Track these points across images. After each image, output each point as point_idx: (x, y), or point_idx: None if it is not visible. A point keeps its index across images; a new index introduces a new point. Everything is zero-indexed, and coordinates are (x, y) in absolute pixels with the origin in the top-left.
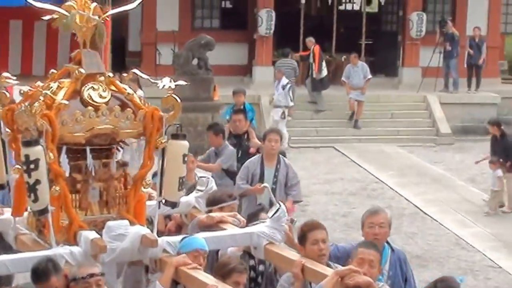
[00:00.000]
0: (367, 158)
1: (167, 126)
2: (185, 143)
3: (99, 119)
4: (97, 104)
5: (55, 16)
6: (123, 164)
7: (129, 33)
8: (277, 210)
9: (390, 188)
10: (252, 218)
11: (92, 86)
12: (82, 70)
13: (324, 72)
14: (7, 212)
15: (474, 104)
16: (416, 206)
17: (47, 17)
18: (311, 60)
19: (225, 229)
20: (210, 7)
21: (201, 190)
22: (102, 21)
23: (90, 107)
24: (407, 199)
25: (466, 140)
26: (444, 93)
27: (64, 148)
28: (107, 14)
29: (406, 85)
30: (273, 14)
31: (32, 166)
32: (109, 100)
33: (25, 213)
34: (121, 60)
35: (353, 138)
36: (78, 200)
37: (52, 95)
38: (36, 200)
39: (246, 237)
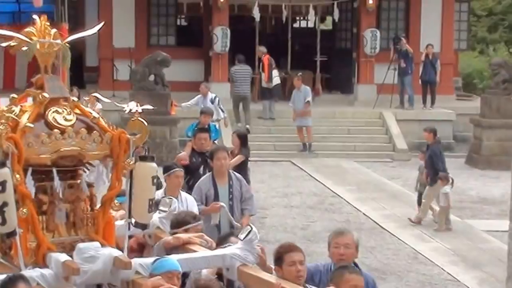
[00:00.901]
0: (325, 172)
1: (135, 148)
2: (154, 165)
3: (65, 141)
4: (63, 127)
5: (13, 43)
6: (89, 185)
7: (86, 48)
8: (249, 232)
9: (348, 203)
10: (222, 241)
11: (57, 110)
12: (45, 95)
13: (276, 81)
14: None
15: (429, 120)
16: (374, 221)
17: (4, 44)
18: (260, 69)
19: (193, 250)
20: (165, 25)
21: (164, 211)
22: (67, 45)
23: (56, 130)
24: (365, 214)
25: None
26: (400, 110)
27: (30, 169)
28: (67, 39)
29: (361, 102)
30: (228, 31)
31: None
32: (74, 123)
33: None
34: (79, 75)
35: (310, 153)
36: (45, 221)
37: (16, 118)
38: (4, 222)
39: (219, 259)
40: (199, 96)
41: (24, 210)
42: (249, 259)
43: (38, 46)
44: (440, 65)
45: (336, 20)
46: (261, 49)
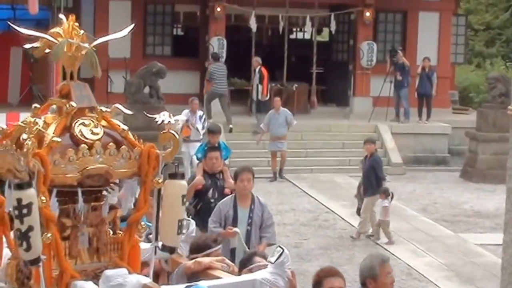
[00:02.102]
0: (318, 188)
1: (164, 165)
2: (183, 183)
3: (93, 158)
4: (90, 141)
5: (36, 44)
6: (112, 207)
7: None
8: (280, 255)
9: (342, 218)
10: (246, 263)
11: (83, 122)
12: (73, 104)
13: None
14: None
15: (425, 134)
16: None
17: (28, 46)
18: (256, 81)
19: (215, 275)
20: (162, 34)
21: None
22: (94, 49)
23: (83, 145)
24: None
25: (418, 170)
26: (395, 123)
27: (55, 190)
28: (95, 42)
29: (357, 115)
30: (224, 42)
31: (24, 211)
32: (101, 137)
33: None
34: None
35: (304, 168)
36: (67, 247)
37: (44, 131)
38: (28, 248)
39: (248, 285)
40: (188, 110)
41: (49, 235)
42: (279, 283)
43: (65, 48)
44: (437, 78)
45: (333, 32)
46: (257, 59)
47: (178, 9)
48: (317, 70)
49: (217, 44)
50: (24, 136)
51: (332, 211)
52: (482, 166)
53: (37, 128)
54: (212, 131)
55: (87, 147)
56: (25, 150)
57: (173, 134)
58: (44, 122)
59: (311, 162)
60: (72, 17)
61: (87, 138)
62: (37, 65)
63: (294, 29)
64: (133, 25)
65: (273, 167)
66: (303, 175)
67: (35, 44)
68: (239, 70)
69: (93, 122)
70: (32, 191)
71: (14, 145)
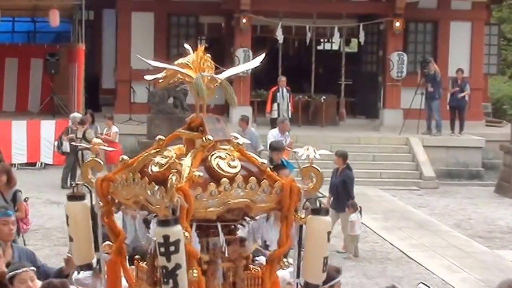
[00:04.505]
0: None
1: (305, 200)
2: (329, 219)
3: (234, 192)
4: (229, 175)
5: (161, 75)
6: (242, 241)
7: (103, 70)
8: None
9: (374, 231)
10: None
11: (219, 155)
12: (210, 137)
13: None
14: None
15: (458, 147)
16: (401, 251)
17: (150, 77)
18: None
19: None
20: None
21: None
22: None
23: (225, 179)
24: (391, 244)
25: (451, 184)
26: (427, 136)
27: (194, 225)
28: (226, 74)
29: (387, 127)
30: (250, 53)
31: (172, 248)
32: (240, 170)
33: None
34: (95, 97)
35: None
36: (204, 283)
37: (185, 165)
38: (175, 287)
39: None
40: (277, 130)
41: (195, 272)
42: None
43: (202, 80)
44: (470, 89)
45: (362, 42)
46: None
47: (202, 20)
48: (345, 81)
49: (243, 55)
50: (155, 168)
51: (363, 224)
52: None
53: (175, 162)
54: (275, 148)
55: (228, 181)
56: (168, 184)
57: (316, 168)
58: (175, 154)
59: None
60: (201, 47)
61: (225, 172)
62: (58, 77)
63: (322, 40)
64: (263, 54)
65: None
66: None
67: (159, 75)
68: (265, 82)
69: (228, 155)
70: (179, 228)
71: (140, 176)
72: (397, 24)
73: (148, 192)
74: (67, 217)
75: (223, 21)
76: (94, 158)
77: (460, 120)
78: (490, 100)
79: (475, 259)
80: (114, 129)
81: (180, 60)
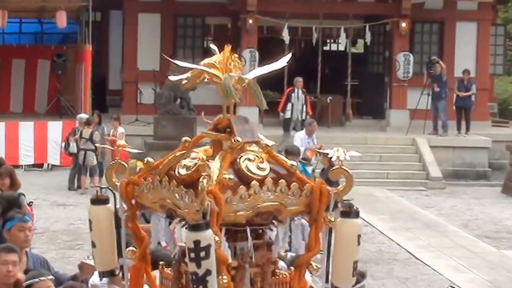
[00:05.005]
0: (356, 201)
1: (335, 202)
2: (359, 222)
3: (264, 195)
4: (259, 177)
5: (186, 76)
6: (268, 245)
7: (109, 71)
8: None
9: (381, 232)
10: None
11: (248, 157)
12: (239, 139)
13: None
14: None
15: (465, 148)
16: (408, 251)
17: (175, 78)
18: (303, 102)
19: None
20: (192, 47)
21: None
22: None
23: (254, 182)
24: (398, 244)
25: (458, 185)
26: (434, 136)
27: (224, 229)
28: (253, 74)
29: (394, 128)
30: (257, 54)
31: (202, 254)
32: (269, 172)
33: None
34: (101, 98)
35: (342, 181)
36: None
37: (214, 167)
38: None
39: None
40: (303, 132)
41: (225, 278)
42: None
43: (231, 81)
44: (476, 90)
45: (368, 43)
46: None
47: (208, 21)
48: (352, 82)
49: (249, 56)
50: (182, 171)
51: (370, 224)
52: None
53: (204, 164)
54: (291, 153)
55: (258, 183)
56: (199, 187)
57: (346, 170)
58: (202, 156)
59: None
60: (228, 48)
61: (254, 174)
62: (64, 78)
63: (328, 41)
64: (290, 54)
65: None
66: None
67: (184, 76)
68: (272, 83)
69: (257, 157)
70: (210, 233)
71: (167, 179)
72: (403, 24)
73: (176, 195)
74: (90, 221)
75: (230, 22)
76: (118, 161)
77: (467, 121)
78: (496, 101)
79: (482, 259)
80: (120, 129)
81: (206, 60)
